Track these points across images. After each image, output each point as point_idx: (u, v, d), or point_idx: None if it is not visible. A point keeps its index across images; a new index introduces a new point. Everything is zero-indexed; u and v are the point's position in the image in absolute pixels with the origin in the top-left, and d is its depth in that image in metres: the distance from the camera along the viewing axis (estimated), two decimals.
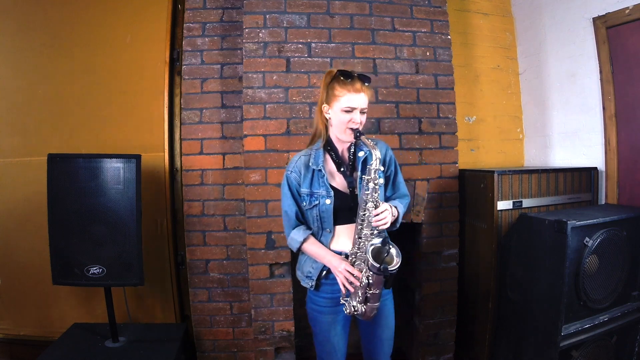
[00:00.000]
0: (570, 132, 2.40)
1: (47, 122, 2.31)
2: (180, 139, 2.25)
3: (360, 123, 1.37)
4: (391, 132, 2.09)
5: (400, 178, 1.55)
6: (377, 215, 1.30)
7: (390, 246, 1.30)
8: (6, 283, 2.33)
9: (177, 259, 2.34)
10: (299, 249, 1.47)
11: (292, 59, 2.04)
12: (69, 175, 1.84)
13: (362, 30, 2.08)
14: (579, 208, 2.11)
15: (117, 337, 1.97)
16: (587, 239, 1.69)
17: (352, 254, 1.37)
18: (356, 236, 1.35)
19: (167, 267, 2.32)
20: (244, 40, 2.03)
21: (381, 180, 1.41)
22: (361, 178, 1.36)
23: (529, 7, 2.61)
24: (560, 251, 1.67)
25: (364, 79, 1.39)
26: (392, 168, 1.52)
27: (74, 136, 2.30)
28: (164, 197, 2.29)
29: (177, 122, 2.31)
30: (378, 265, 1.25)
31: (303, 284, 1.51)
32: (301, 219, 1.48)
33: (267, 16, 2.04)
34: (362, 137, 1.34)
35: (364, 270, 1.32)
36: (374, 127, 2.08)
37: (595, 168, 2.21)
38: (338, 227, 1.43)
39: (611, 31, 2.11)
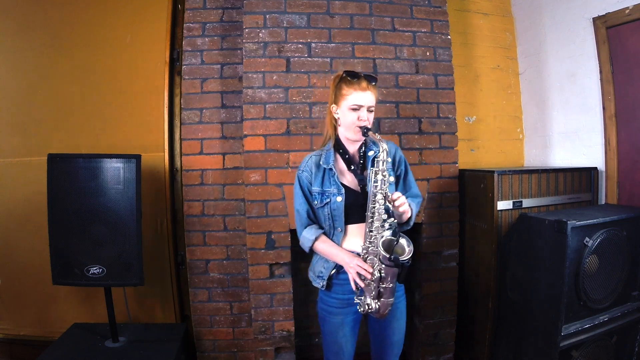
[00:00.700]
0: (570, 132, 2.40)
1: (47, 122, 2.31)
2: (180, 139, 2.25)
3: (368, 120, 1.40)
4: (391, 132, 2.09)
5: (411, 178, 1.56)
6: (395, 200, 1.31)
7: (400, 237, 1.31)
8: (6, 283, 2.33)
9: (177, 259, 2.34)
10: (311, 248, 1.49)
11: (292, 59, 2.04)
12: (69, 175, 1.84)
13: (362, 30, 2.09)
14: (579, 208, 2.11)
15: (117, 337, 1.97)
16: (587, 239, 1.69)
17: (364, 249, 1.38)
18: (367, 229, 1.36)
19: (167, 267, 2.32)
20: (244, 40, 2.04)
21: (392, 178, 1.44)
22: (370, 171, 1.37)
23: (529, 7, 2.61)
24: (560, 251, 1.67)
25: (370, 78, 1.42)
26: (402, 167, 1.54)
27: (74, 136, 2.30)
28: (164, 197, 2.29)
29: (177, 122, 2.31)
30: (389, 256, 1.25)
31: (314, 284, 1.52)
32: (313, 218, 1.50)
33: (267, 16, 2.04)
34: (370, 133, 1.37)
35: (376, 264, 1.33)
36: (374, 127, 2.07)
37: (595, 168, 2.21)
38: (349, 227, 1.45)
39: (611, 31, 2.11)
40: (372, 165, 1.37)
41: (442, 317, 2.18)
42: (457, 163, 2.16)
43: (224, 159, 2.22)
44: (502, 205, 1.99)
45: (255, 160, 2.01)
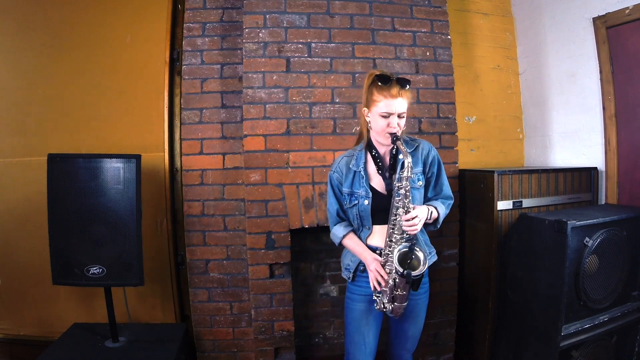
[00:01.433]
0: (570, 132, 2.40)
1: (47, 122, 2.31)
2: (180, 139, 2.25)
3: (399, 127, 1.39)
4: None
5: (444, 180, 1.54)
6: (407, 220, 1.34)
7: (417, 251, 1.35)
8: (6, 283, 2.33)
9: (177, 259, 2.34)
10: (340, 243, 1.55)
11: (292, 59, 2.04)
12: (69, 175, 1.83)
13: (362, 30, 2.08)
14: (579, 208, 2.11)
15: (117, 337, 1.96)
16: (587, 239, 1.70)
17: (383, 255, 1.42)
18: (387, 239, 1.40)
19: (167, 267, 2.31)
20: (244, 40, 2.04)
21: (420, 183, 1.48)
22: (395, 179, 1.37)
23: (529, 7, 2.61)
24: (560, 251, 1.67)
25: (402, 82, 1.38)
26: (435, 169, 1.52)
27: (74, 136, 2.30)
28: (164, 197, 2.29)
29: (177, 122, 2.31)
30: (402, 270, 1.31)
31: (343, 275, 1.61)
32: (342, 216, 1.57)
33: (267, 16, 2.04)
34: (398, 143, 1.36)
35: (393, 271, 1.37)
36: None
37: (595, 168, 2.21)
38: (376, 227, 1.50)
39: (611, 31, 2.11)
40: (402, 167, 1.34)
41: (442, 317, 2.18)
42: (457, 163, 2.16)
43: (224, 159, 2.22)
44: (502, 205, 1.99)
45: (255, 160, 2.01)
